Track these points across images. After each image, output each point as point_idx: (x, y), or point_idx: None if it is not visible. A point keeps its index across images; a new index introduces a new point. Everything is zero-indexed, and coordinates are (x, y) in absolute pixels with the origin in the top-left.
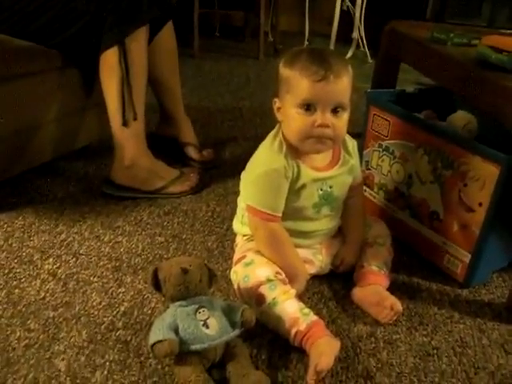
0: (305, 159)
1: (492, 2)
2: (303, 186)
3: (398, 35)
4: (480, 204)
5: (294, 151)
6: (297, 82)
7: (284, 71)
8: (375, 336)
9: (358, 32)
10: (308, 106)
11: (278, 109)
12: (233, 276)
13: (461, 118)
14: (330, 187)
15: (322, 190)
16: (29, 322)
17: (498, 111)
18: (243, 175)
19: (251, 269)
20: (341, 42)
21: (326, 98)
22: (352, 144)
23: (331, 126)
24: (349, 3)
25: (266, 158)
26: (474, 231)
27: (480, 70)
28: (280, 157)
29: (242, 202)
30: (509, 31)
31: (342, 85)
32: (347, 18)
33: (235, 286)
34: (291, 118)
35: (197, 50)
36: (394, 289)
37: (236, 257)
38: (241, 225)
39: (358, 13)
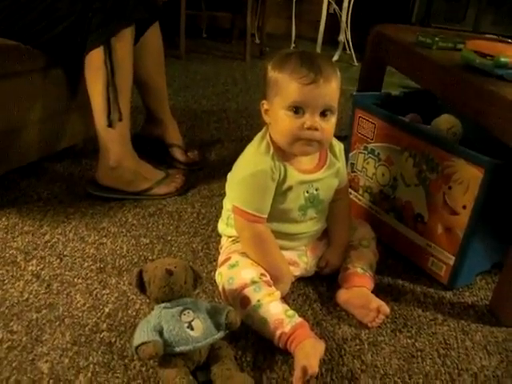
0: (292, 161)
1: (477, 8)
2: (289, 188)
3: (383, 39)
4: (464, 207)
5: (281, 153)
6: (286, 85)
7: (273, 74)
8: (360, 338)
9: (345, 35)
10: (297, 109)
11: (266, 111)
12: (218, 278)
13: (445, 122)
14: (316, 190)
15: (308, 192)
16: (11, 323)
17: (482, 115)
18: (229, 176)
19: (236, 271)
20: (327, 45)
21: (315, 101)
22: (339, 147)
23: (320, 129)
24: (335, 6)
25: (252, 160)
26: (458, 234)
27: (464, 74)
28: (267, 158)
29: (227, 203)
30: (493, 36)
31: (332, 88)
32: (334, 21)
33: (220, 288)
34: (280, 120)
35: (183, 51)
36: (378, 291)
37: (221, 259)
38: (226, 226)
39: (345, 16)
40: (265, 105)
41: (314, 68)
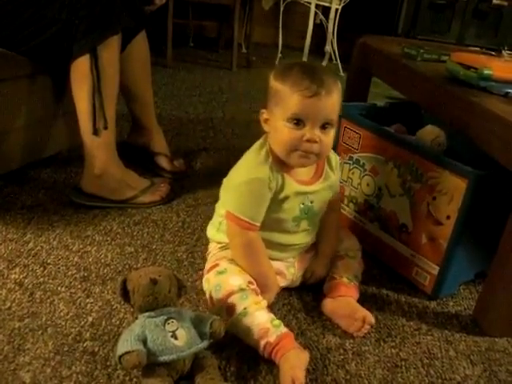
0: (290, 172)
1: (461, 20)
2: (286, 198)
3: (369, 49)
4: (448, 217)
5: (280, 163)
6: (288, 96)
7: (275, 84)
8: (344, 347)
9: (331, 45)
10: (297, 121)
11: (266, 120)
12: (205, 284)
13: (430, 132)
14: (311, 202)
15: (303, 204)
16: None
17: (466, 126)
18: (225, 181)
19: (224, 277)
20: (314, 55)
21: (316, 114)
22: (335, 159)
23: (319, 142)
24: (322, 17)
25: (250, 167)
26: (442, 244)
27: (449, 86)
28: (265, 167)
29: (221, 209)
30: (476, 48)
31: (333, 101)
32: (320, 31)
33: (207, 295)
34: (279, 130)
35: (170, 59)
36: (363, 300)
37: (208, 265)
38: (216, 232)
39: (331, 27)
40: (264, 114)
41: (316, 80)
